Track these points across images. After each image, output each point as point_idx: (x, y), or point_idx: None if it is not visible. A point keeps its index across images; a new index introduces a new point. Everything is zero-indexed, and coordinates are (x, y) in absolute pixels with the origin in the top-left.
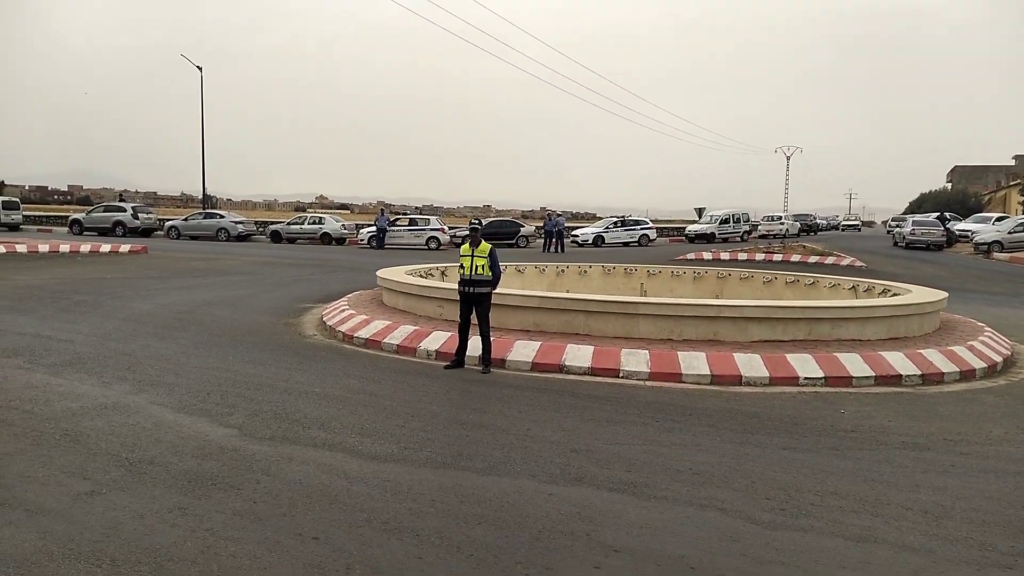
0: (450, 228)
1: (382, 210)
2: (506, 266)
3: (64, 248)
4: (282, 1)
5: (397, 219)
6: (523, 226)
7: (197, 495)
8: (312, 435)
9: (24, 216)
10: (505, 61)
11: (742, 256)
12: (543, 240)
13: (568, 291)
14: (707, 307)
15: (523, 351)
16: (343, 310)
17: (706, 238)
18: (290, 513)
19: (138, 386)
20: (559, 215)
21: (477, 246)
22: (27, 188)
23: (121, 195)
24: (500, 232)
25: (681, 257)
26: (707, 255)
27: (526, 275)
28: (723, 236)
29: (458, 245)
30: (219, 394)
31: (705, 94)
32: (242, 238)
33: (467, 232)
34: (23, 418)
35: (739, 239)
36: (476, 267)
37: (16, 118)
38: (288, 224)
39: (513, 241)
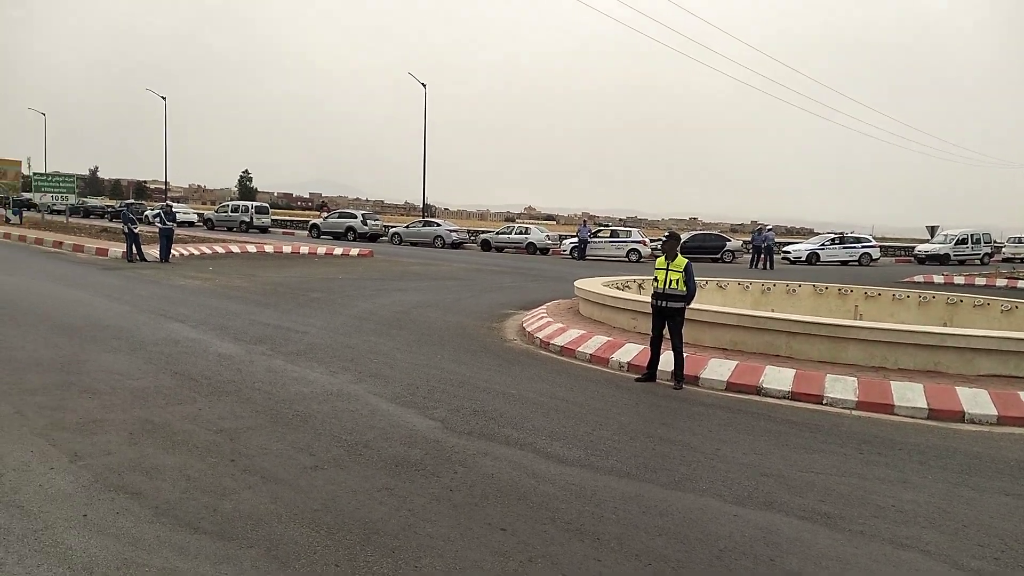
0: (652, 240)
1: (584, 221)
2: (707, 281)
3: (303, 250)
4: (501, 20)
5: (599, 230)
6: (729, 240)
7: (402, 478)
8: (506, 433)
9: (272, 220)
10: (722, 72)
11: (980, 281)
12: (751, 255)
13: (773, 310)
14: (928, 335)
15: (718, 369)
16: (541, 317)
17: (938, 259)
18: (481, 503)
19: (358, 376)
20: (769, 229)
21: (673, 259)
22: (275, 195)
23: (323, 203)
24: (704, 246)
25: (907, 280)
26: (938, 278)
27: (728, 291)
28: (959, 258)
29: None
30: (426, 389)
31: (947, 102)
32: (456, 245)
33: (663, 244)
34: (263, 398)
35: (978, 262)
36: (670, 281)
37: (268, 131)
38: (497, 233)
39: (718, 256)
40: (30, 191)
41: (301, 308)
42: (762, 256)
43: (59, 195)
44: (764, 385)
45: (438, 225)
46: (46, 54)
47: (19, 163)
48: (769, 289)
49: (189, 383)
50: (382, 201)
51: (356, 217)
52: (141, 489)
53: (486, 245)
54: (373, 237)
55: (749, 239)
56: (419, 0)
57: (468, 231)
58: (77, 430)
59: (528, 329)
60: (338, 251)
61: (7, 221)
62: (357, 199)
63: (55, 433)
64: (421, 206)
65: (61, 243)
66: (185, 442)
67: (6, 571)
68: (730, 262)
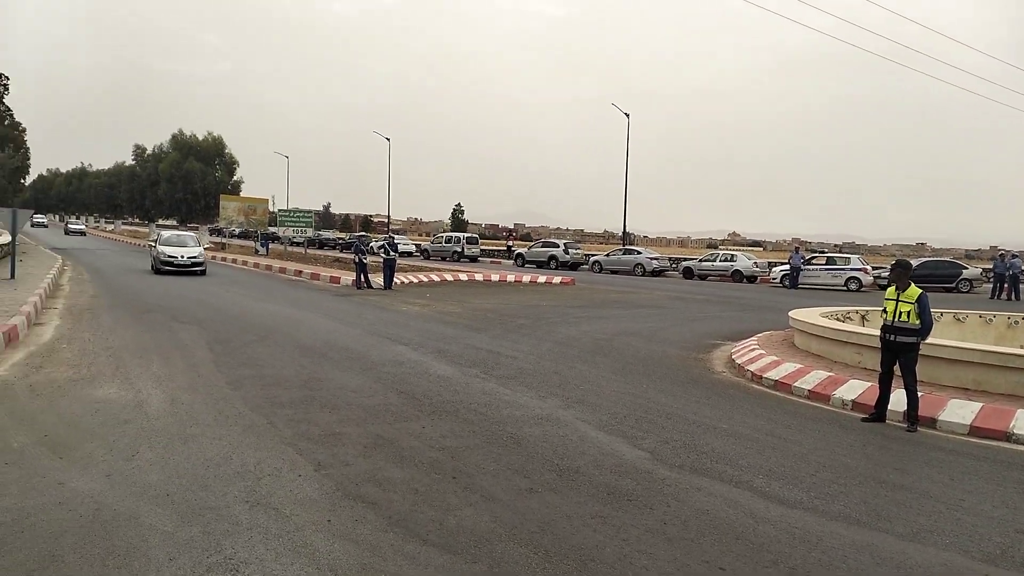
0: (873, 268)
1: (796, 248)
2: (941, 313)
3: (509, 278)
4: (705, 42)
5: (813, 257)
6: (965, 268)
7: (615, 507)
8: (719, 469)
9: (480, 250)
10: (946, 82)
11: None
12: (992, 285)
13: (1022, 346)
14: None
15: (958, 412)
16: (752, 349)
17: None
18: (698, 540)
19: (566, 402)
20: (1014, 255)
21: (904, 289)
22: (483, 226)
23: (507, 234)
24: (935, 274)
25: None
26: None
27: (967, 324)
28: None
29: (882, 287)
30: (633, 418)
31: None
32: (656, 273)
33: (890, 273)
34: (479, 419)
35: None
36: (900, 313)
37: (477, 165)
38: (700, 261)
39: (952, 285)
40: (274, 225)
41: (509, 334)
42: (1006, 286)
43: (299, 229)
44: (1015, 431)
45: (638, 253)
46: (288, 105)
47: (266, 201)
48: (1017, 323)
49: (413, 402)
50: (582, 230)
51: (558, 246)
52: (376, 499)
53: (688, 273)
54: (574, 266)
55: (990, 267)
56: (617, 35)
57: (669, 258)
58: (320, 441)
59: (738, 361)
60: (541, 279)
61: (256, 252)
62: (558, 228)
63: (301, 443)
64: (621, 234)
65: (300, 272)
66: (412, 458)
67: (266, 567)
68: (967, 292)
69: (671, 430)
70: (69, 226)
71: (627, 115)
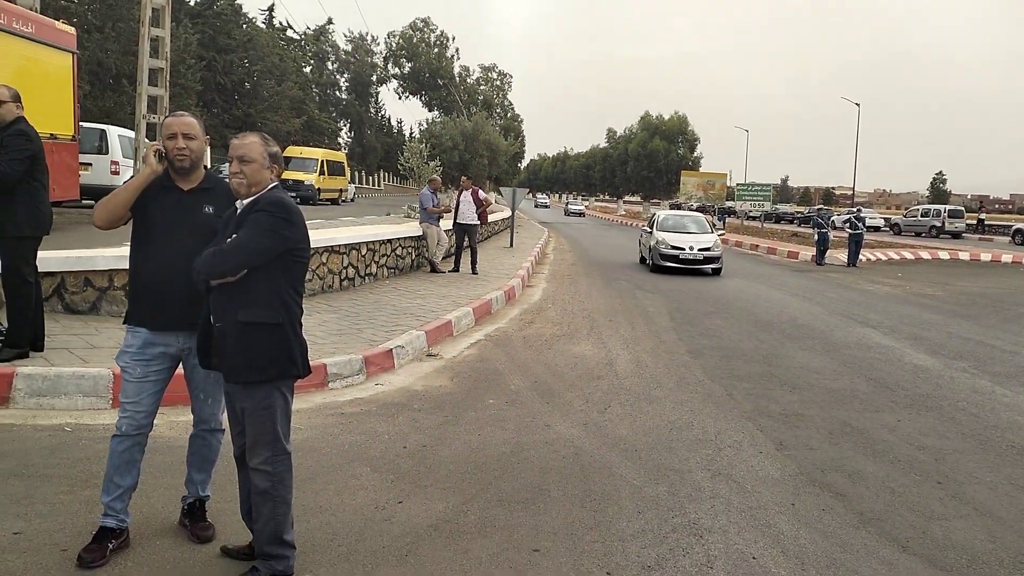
0: None
1: None
2: None
3: (1006, 258)
4: None
5: None
6: None
7: None
8: None
9: (966, 224)
10: None
11: None
12: None
13: None
14: None
15: None
16: None
17: None
18: None
19: None
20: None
21: None
22: (968, 197)
23: (980, 206)
24: None
25: None
26: None
27: None
28: None
29: None
30: None
31: None
32: None
33: None
34: (968, 420)
35: None
36: None
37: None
38: None
39: None
40: (731, 200)
41: (1006, 324)
42: None
43: (756, 203)
44: None
45: None
46: (748, 78)
47: (724, 175)
48: None
49: (884, 391)
50: None
51: None
52: (844, 491)
53: None
54: None
55: None
56: None
57: None
58: (780, 420)
59: None
60: None
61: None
62: None
63: (761, 419)
64: None
65: (757, 246)
66: (885, 452)
67: (729, 539)
68: None
69: None
70: (537, 199)
71: None
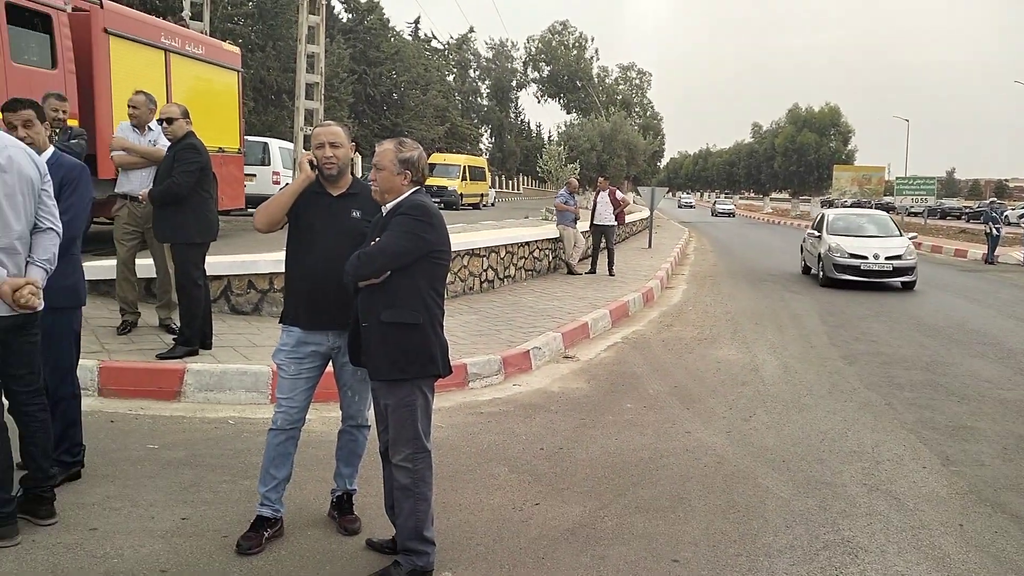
0: None
1: None
2: None
3: None
4: None
5: None
6: None
7: None
8: None
9: None
10: None
11: None
12: None
13: None
14: None
15: None
16: None
17: None
18: None
19: None
20: None
21: None
22: None
23: None
24: None
25: None
26: None
27: None
28: None
29: None
30: None
31: None
32: None
33: None
34: None
35: None
36: None
37: None
38: None
39: None
40: (890, 195)
41: None
42: None
43: (918, 197)
44: None
45: None
46: (910, 64)
47: (882, 169)
48: None
49: None
50: None
51: None
52: (1020, 512)
53: None
54: None
55: None
56: None
57: None
58: (947, 432)
59: None
60: None
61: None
62: None
63: (924, 432)
64: None
65: (920, 244)
66: None
67: (887, 560)
68: None
69: None
70: (681, 199)
71: None
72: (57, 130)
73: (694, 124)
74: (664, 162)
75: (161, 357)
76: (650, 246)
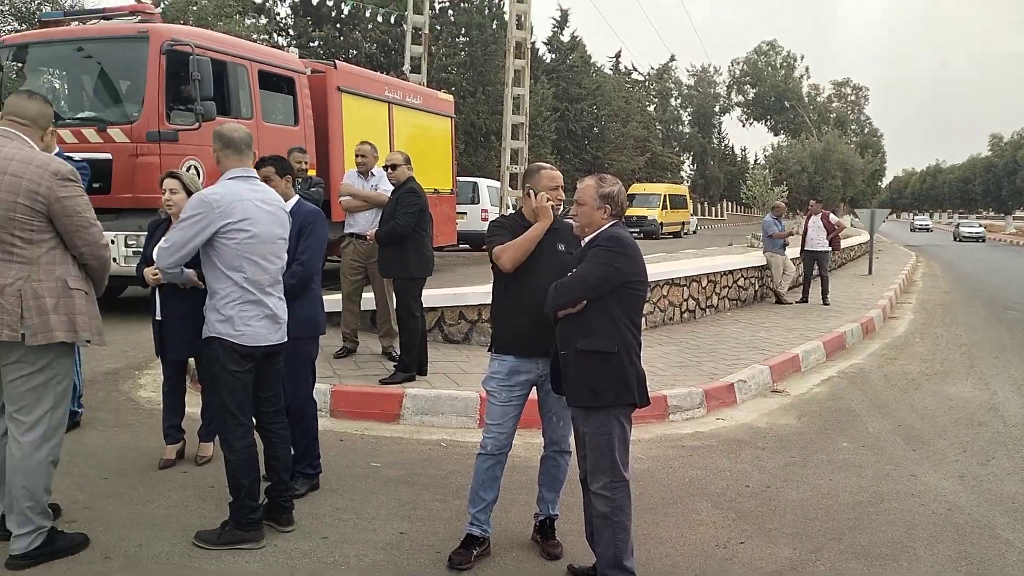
0: None
1: None
2: None
3: None
4: None
5: None
6: None
7: None
8: None
9: None
10: None
11: None
12: None
13: None
14: None
15: None
16: None
17: None
18: None
19: None
20: None
21: None
22: None
23: None
24: None
25: None
26: None
27: None
28: None
29: None
30: None
31: None
32: None
33: None
34: None
35: None
36: None
37: None
38: None
39: None
40: None
41: None
42: None
43: None
44: None
45: None
46: None
47: None
48: None
49: None
50: None
51: None
52: None
53: None
54: None
55: None
56: None
57: None
58: None
59: None
60: None
61: None
62: None
63: None
64: None
65: None
66: None
67: None
68: None
69: None
70: (915, 222)
71: None
72: (299, 180)
73: (920, 139)
74: (886, 181)
75: (383, 382)
76: (870, 272)
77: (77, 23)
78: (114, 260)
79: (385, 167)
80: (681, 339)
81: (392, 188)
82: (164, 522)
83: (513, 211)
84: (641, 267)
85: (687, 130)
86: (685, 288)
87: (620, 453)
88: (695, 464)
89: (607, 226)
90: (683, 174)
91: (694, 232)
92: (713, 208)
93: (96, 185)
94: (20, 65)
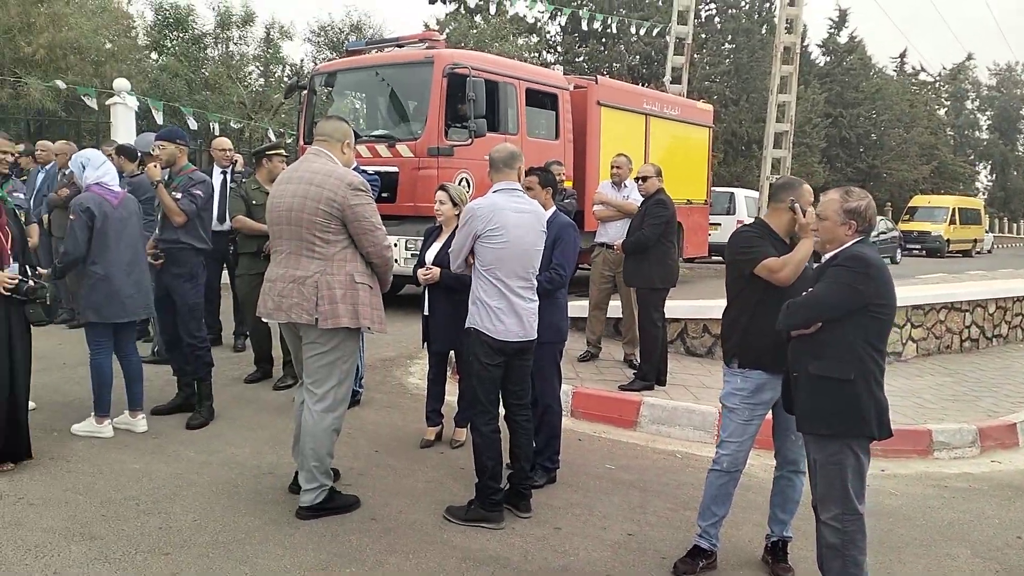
0: None
1: None
2: None
3: None
4: None
5: None
6: None
7: None
8: None
9: None
10: None
11: None
12: None
13: None
14: None
15: None
16: None
17: None
18: None
19: None
20: None
21: None
22: None
23: None
24: None
25: None
26: None
27: None
28: None
29: None
30: None
31: None
32: None
33: None
34: None
35: None
36: None
37: None
38: None
39: None
40: None
41: None
42: None
43: None
44: None
45: None
46: None
47: None
48: None
49: None
50: None
51: None
52: None
53: None
54: None
55: None
56: None
57: None
58: None
59: None
60: None
61: None
62: None
63: None
64: None
65: None
66: None
67: None
68: None
69: None
70: None
71: None
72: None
73: None
74: None
75: (623, 388)
76: None
77: (376, 51)
78: (396, 261)
79: (636, 179)
80: (958, 370)
81: (643, 199)
82: (421, 494)
83: (753, 220)
84: (887, 290)
85: (985, 136)
86: (967, 314)
87: (854, 484)
88: (957, 507)
89: (851, 243)
90: (978, 185)
91: (988, 251)
92: (1015, 225)
93: (384, 195)
94: (330, 89)
